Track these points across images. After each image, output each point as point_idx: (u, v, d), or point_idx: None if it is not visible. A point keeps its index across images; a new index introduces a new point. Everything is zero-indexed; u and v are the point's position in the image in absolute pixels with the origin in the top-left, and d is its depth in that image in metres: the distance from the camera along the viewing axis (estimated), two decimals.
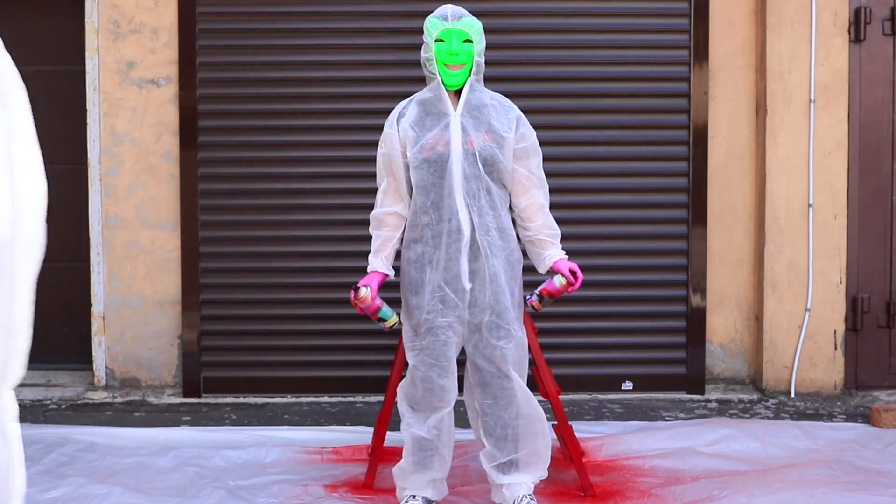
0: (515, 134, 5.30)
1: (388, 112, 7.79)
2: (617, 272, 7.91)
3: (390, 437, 6.17)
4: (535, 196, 5.41)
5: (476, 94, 5.30)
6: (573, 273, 5.45)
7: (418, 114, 5.37)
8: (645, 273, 7.93)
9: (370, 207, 7.88)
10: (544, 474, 5.51)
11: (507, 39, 7.80)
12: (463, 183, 5.24)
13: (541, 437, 5.43)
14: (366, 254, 7.81)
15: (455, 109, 5.29)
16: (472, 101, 5.29)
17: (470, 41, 5.24)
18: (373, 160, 7.87)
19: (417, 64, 7.38)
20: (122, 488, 5.77)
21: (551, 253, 5.46)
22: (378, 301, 5.44)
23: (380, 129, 7.84)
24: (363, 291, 5.36)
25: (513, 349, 5.31)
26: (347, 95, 7.85)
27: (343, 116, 7.85)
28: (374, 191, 7.87)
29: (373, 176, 7.88)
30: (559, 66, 7.85)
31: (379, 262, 5.49)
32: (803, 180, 7.77)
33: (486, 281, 5.25)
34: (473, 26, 5.27)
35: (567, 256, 5.51)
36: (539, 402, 7.43)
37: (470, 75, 5.28)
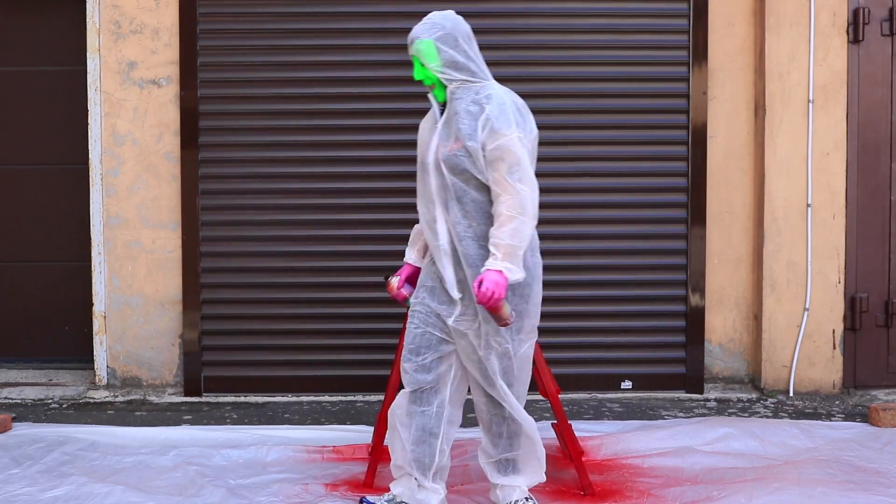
0: (480, 139, 5.17)
1: (388, 113, 7.84)
2: (616, 272, 7.91)
3: None
4: (501, 203, 5.12)
5: (454, 102, 5.29)
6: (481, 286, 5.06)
7: (429, 121, 5.43)
8: (644, 273, 7.92)
9: (371, 207, 7.92)
10: (542, 478, 5.49)
11: (505, 40, 7.80)
12: (438, 192, 5.27)
13: (536, 442, 5.42)
14: (367, 253, 7.84)
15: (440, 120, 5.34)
16: (450, 110, 5.29)
17: (423, 63, 5.28)
18: (373, 161, 7.90)
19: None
20: (124, 487, 5.77)
21: (487, 262, 5.13)
22: (405, 290, 5.61)
23: (381, 129, 7.89)
24: (393, 280, 5.62)
25: (495, 360, 5.29)
26: (349, 96, 7.84)
27: (344, 117, 7.83)
28: (374, 191, 7.90)
29: (373, 176, 7.90)
30: (558, 66, 7.84)
31: (411, 254, 5.67)
32: (802, 180, 7.77)
33: (468, 290, 5.25)
34: (420, 49, 5.29)
35: (503, 269, 5.07)
36: (538, 401, 7.45)
37: (445, 88, 5.29)
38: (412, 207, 7.61)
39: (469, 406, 7.54)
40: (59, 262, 8.31)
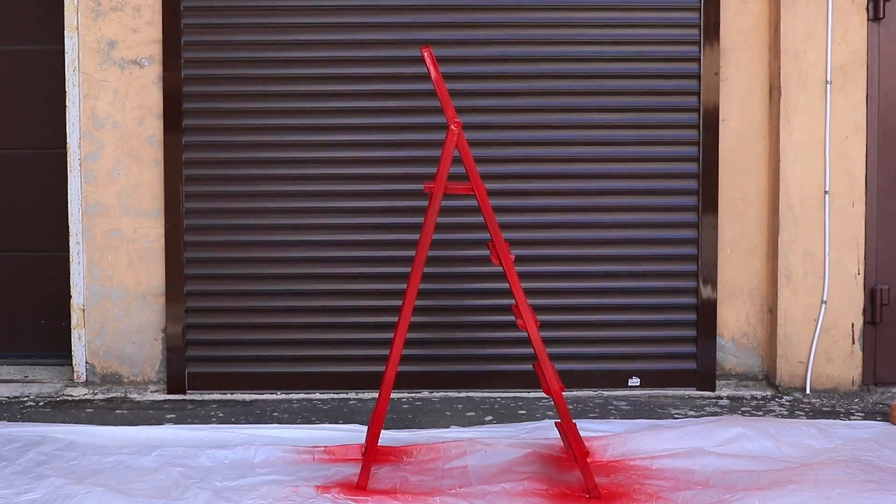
0: None
1: (380, 94, 7.82)
2: (623, 262, 7.90)
3: (385, 437, 6.15)
4: None
5: None
6: None
7: None
8: (653, 263, 7.91)
9: (364, 195, 7.92)
10: None
11: (506, 18, 7.78)
12: None
13: None
14: (359, 243, 7.83)
15: None
16: None
17: None
18: (367, 145, 7.89)
19: (411, 43, 7.37)
20: (104, 489, 5.76)
21: None
22: None
23: (374, 111, 7.87)
24: None
25: None
26: (340, 77, 7.83)
27: (335, 99, 7.82)
28: (368, 177, 7.89)
29: (368, 162, 7.89)
30: (561, 45, 7.82)
31: None
32: (819, 166, 7.76)
33: None
34: None
35: None
36: (541, 398, 7.45)
37: None
38: (408, 195, 7.67)
39: (470, 403, 7.55)
40: (35, 252, 8.30)
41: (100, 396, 7.80)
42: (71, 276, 7.91)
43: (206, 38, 7.81)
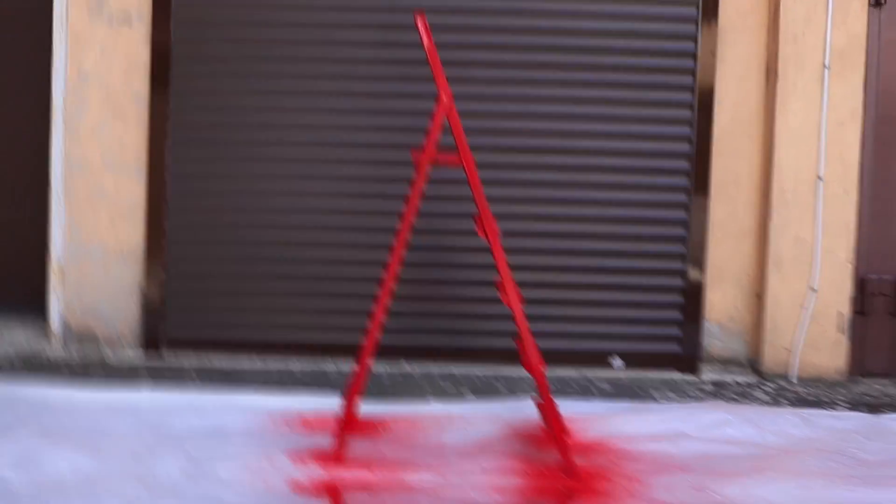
0: None
1: (376, 61, 7.77)
2: (610, 241, 7.88)
3: (364, 409, 6.13)
4: None
5: None
6: None
7: None
8: (641, 243, 7.89)
9: (351, 162, 7.87)
10: None
11: None
12: None
13: None
14: (345, 210, 7.79)
15: None
16: None
17: None
18: (357, 112, 7.85)
19: (405, 9, 7.35)
20: (76, 451, 5.74)
21: None
22: None
23: (365, 78, 7.82)
24: None
25: None
26: (331, 41, 7.78)
27: (326, 64, 7.78)
28: (357, 144, 7.85)
29: (357, 129, 7.85)
30: (555, 18, 7.78)
31: None
32: (813, 151, 7.74)
33: None
34: None
35: None
36: (524, 376, 7.43)
37: None
38: (397, 163, 7.63)
39: (450, 378, 7.53)
40: (13, 208, 8.25)
41: (75, 357, 7.76)
42: (50, 233, 7.85)
43: None
